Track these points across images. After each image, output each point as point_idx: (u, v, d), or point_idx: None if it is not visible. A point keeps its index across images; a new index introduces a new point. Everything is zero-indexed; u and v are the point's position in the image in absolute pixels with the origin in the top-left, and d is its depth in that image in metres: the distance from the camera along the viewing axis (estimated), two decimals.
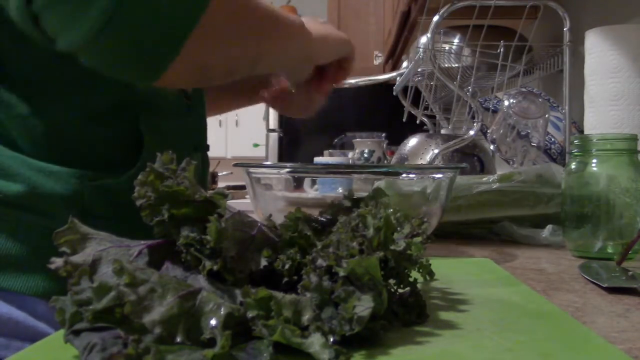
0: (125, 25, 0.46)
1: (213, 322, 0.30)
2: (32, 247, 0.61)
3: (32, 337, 0.60)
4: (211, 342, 0.29)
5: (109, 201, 0.64)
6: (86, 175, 0.62)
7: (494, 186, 0.86)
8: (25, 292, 0.60)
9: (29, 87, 0.62)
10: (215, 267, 0.36)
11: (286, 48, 0.67)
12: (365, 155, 2.08)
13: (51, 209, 0.62)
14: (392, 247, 0.39)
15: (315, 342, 0.31)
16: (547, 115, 1.24)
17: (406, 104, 1.61)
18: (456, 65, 1.43)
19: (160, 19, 0.47)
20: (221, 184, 3.25)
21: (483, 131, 1.39)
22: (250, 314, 0.32)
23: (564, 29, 1.18)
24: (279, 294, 0.33)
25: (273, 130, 3.30)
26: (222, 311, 0.31)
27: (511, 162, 1.27)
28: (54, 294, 0.61)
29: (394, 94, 1.74)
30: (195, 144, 0.80)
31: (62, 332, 0.36)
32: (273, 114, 3.26)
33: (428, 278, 0.47)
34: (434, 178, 0.67)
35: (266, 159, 3.35)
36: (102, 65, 0.51)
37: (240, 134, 5.47)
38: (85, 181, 0.63)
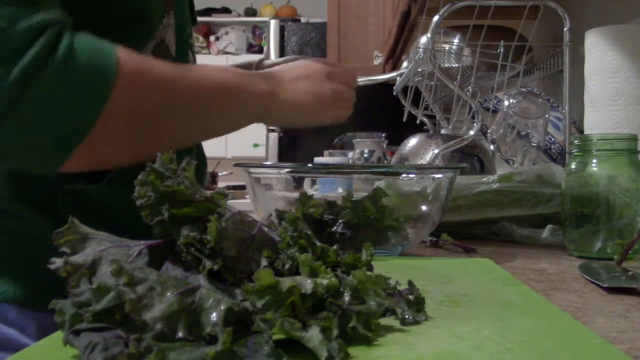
0: (17, 129, 0.48)
1: (214, 317, 0.31)
2: (3, 251, 0.60)
3: (3, 344, 0.59)
4: (212, 338, 0.29)
5: (85, 206, 0.62)
6: (59, 179, 0.60)
7: (494, 186, 0.86)
8: None
9: None
10: (215, 267, 0.36)
11: (214, 122, 0.64)
12: (365, 155, 2.08)
13: (23, 212, 0.60)
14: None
15: (314, 337, 0.31)
16: (547, 115, 1.24)
17: (406, 104, 1.61)
18: (456, 65, 1.42)
19: (52, 125, 0.49)
20: (221, 184, 3.25)
21: (483, 131, 1.39)
22: (259, 304, 0.32)
23: (564, 29, 1.18)
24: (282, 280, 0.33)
25: (273, 130, 3.30)
26: (222, 306, 0.31)
27: (511, 162, 1.27)
28: (25, 300, 0.61)
29: (394, 94, 1.74)
30: None
31: (61, 332, 0.36)
32: None
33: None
34: (434, 178, 0.67)
35: (266, 159, 3.35)
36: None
37: (240, 134, 5.46)
38: (59, 185, 0.61)
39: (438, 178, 0.67)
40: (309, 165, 0.68)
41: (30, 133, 0.49)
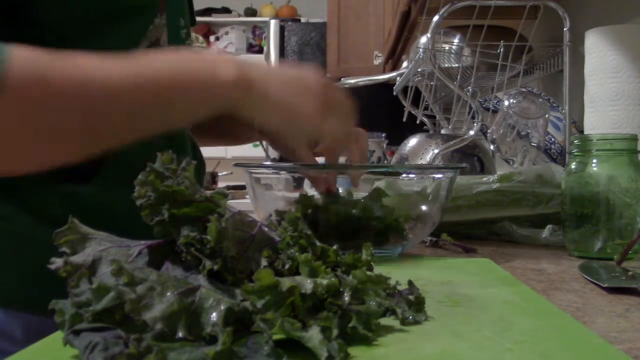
0: None
1: (214, 317, 0.31)
2: None
3: None
4: (212, 338, 0.29)
5: (76, 208, 0.59)
6: (45, 180, 0.58)
7: (494, 186, 0.86)
8: None
9: None
10: (215, 267, 0.36)
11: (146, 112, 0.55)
12: None
13: (9, 213, 0.60)
14: None
15: (314, 337, 0.31)
16: (547, 115, 1.24)
17: (406, 104, 1.61)
18: (456, 65, 1.42)
19: None
20: (221, 184, 3.25)
21: (483, 131, 1.39)
22: (259, 304, 0.32)
23: (564, 29, 1.18)
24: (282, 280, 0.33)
25: None
26: (222, 306, 0.31)
27: (511, 162, 1.27)
28: (8, 302, 0.60)
29: (394, 94, 1.74)
30: (171, 142, 0.68)
31: (61, 332, 0.36)
32: None
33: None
34: (434, 178, 0.67)
35: (266, 159, 3.35)
36: None
37: None
38: (45, 186, 0.60)
39: (438, 178, 0.67)
40: (309, 165, 0.67)
41: None
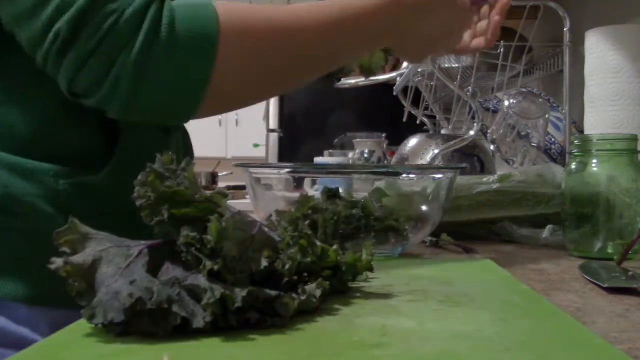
0: (147, 102, 0.55)
1: None
2: (9, 249, 0.59)
3: (14, 343, 0.58)
4: None
5: (89, 199, 0.62)
6: (60, 173, 0.60)
7: (494, 186, 0.86)
8: (3, 296, 0.58)
9: None
10: (215, 267, 0.36)
11: (344, 42, 0.64)
12: (365, 155, 2.08)
13: (26, 209, 0.60)
14: None
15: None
16: (547, 115, 1.24)
17: (406, 104, 1.61)
18: (456, 65, 1.42)
19: (170, 93, 0.55)
20: (221, 184, 3.25)
21: (483, 131, 1.39)
22: None
23: (564, 29, 1.18)
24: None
25: (273, 130, 3.30)
26: None
27: (511, 162, 1.27)
28: (34, 298, 0.61)
29: (394, 94, 1.74)
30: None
31: (61, 332, 0.36)
32: (273, 114, 3.25)
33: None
34: (434, 178, 0.67)
35: (266, 159, 3.35)
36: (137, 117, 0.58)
37: (240, 134, 5.47)
38: (60, 179, 0.60)
39: (438, 178, 0.67)
40: (309, 165, 0.68)
41: (155, 101, 0.55)
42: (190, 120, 0.61)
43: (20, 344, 0.59)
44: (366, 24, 0.63)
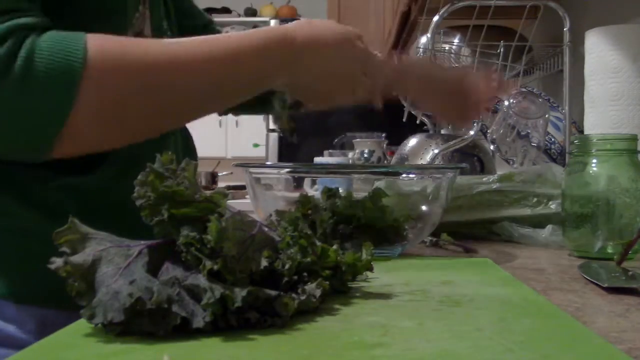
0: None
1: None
2: None
3: (1, 340, 0.58)
4: None
5: (78, 201, 0.61)
6: (50, 174, 0.60)
7: (494, 186, 0.86)
8: None
9: None
10: (215, 267, 0.36)
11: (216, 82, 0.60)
12: (365, 155, 2.08)
13: (16, 209, 0.60)
14: None
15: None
16: (547, 115, 1.24)
17: (406, 104, 1.61)
18: (456, 65, 1.42)
19: (20, 131, 0.50)
20: (221, 184, 3.25)
21: (483, 131, 1.39)
22: None
23: (564, 29, 1.18)
24: None
25: (273, 130, 3.30)
26: None
27: (511, 162, 1.27)
28: (21, 296, 0.61)
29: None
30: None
31: (61, 332, 0.36)
32: None
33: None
34: (434, 178, 0.67)
35: (266, 159, 3.35)
36: None
37: (240, 134, 5.47)
38: (50, 180, 0.60)
39: (438, 178, 0.67)
40: (309, 165, 0.68)
41: (4, 137, 0.51)
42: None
43: (7, 341, 0.59)
44: (252, 60, 0.61)
